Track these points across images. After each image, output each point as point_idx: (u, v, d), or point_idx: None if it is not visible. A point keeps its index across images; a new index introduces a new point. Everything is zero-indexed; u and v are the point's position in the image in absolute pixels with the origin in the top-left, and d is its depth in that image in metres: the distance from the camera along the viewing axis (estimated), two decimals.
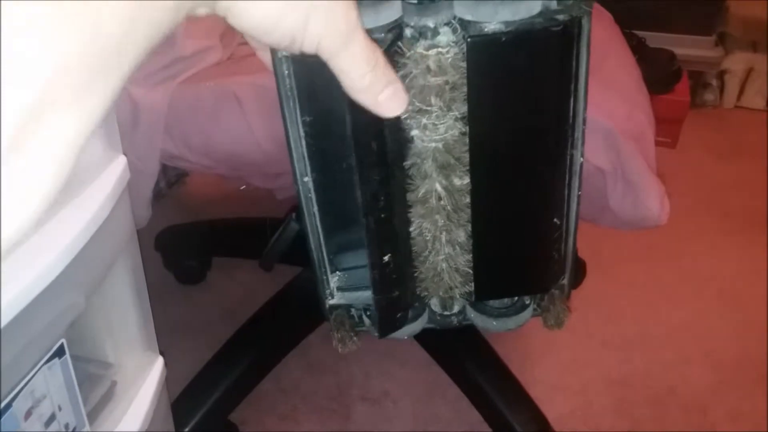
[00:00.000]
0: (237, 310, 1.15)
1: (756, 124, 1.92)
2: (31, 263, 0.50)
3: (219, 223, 1.40)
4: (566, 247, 0.48)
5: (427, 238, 0.45)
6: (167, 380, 0.76)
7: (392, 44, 0.37)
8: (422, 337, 1.09)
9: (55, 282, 0.52)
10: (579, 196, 0.46)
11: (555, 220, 0.46)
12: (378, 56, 0.32)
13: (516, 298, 0.50)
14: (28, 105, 0.18)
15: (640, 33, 1.78)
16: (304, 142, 0.42)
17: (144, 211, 0.85)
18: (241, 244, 1.34)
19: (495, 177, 0.43)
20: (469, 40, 0.36)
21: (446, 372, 1.11)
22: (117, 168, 0.62)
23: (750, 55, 1.93)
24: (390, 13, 0.37)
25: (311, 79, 0.39)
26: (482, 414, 1.06)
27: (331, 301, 0.49)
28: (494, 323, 0.50)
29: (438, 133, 0.40)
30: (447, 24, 0.37)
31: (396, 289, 0.46)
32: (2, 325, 0.47)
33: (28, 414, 0.55)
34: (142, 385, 0.72)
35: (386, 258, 0.45)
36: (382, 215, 0.43)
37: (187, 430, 0.98)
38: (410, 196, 0.43)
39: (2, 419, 0.51)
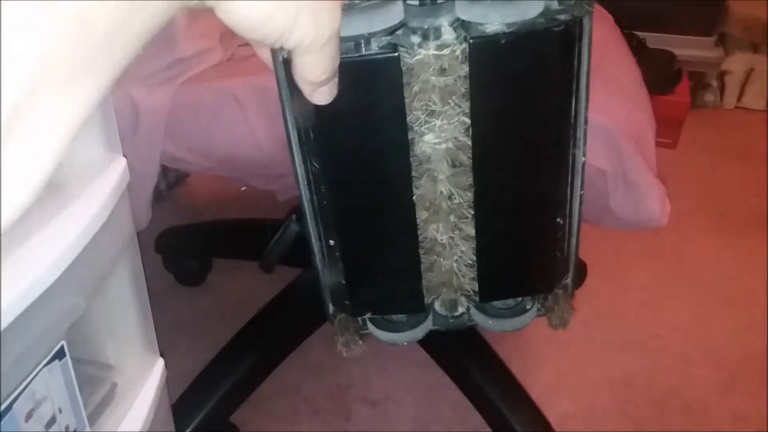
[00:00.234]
0: (237, 312, 1.15)
1: (756, 125, 1.92)
2: (31, 265, 0.50)
3: (219, 225, 1.40)
4: (569, 247, 0.48)
5: (442, 240, 0.45)
6: (168, 382, 0.75)
7: (394, 47, 0.37)
8: (423, 339, 1.09)
9: (56, 284, 0.52)
10: (582, 195, 0.46)
11: (558, 219, 0.46)
12: (337, 54, 0.33)
13: (519, 299, 0.50)
14: (21, 93, 0.19)
15: (640, 34, 1.78)
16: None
17: (144, 213, 0.85)
18: (241, 246, 1.34)
19: (498, 177, 0.43)
20: (471, 41, 0.36)
21: (447, 373, 1.10)
22: (117, 170, 0.61)
23: (750, 56, 1.93)
24: (392, 16, 0.37)
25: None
26: (483, 415, 1.06)
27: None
28: (490, 322, 0.50)
29: (450, 133, 0.40)
30: (450, 25, 0.37)
31: (343, 276, 0.47)
32: (2, 327, 0.47)
33: (29, 416, 0.55)
34: (143, 386, 0.71)
35: (331, 242, 0.45)
36: (323, 201, 0.43)
37: (187, 431, 0.98)
38: (421, 202, 0.43)
39: (3, 421, 0.51)
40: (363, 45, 0.36)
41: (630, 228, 0.82)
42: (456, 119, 0.40)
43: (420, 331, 0.50)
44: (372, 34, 0.36)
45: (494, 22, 0.36)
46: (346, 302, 0.49)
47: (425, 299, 0.48)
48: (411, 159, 0.41)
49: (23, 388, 0.53)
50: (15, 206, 0.20)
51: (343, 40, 0.35)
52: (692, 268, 1.44)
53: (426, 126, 0.40)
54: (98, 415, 0.66)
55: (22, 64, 0.18)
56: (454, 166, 0.42)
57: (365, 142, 0.41)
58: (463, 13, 0.37)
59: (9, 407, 0.51)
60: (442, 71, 0.38)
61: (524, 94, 0.40)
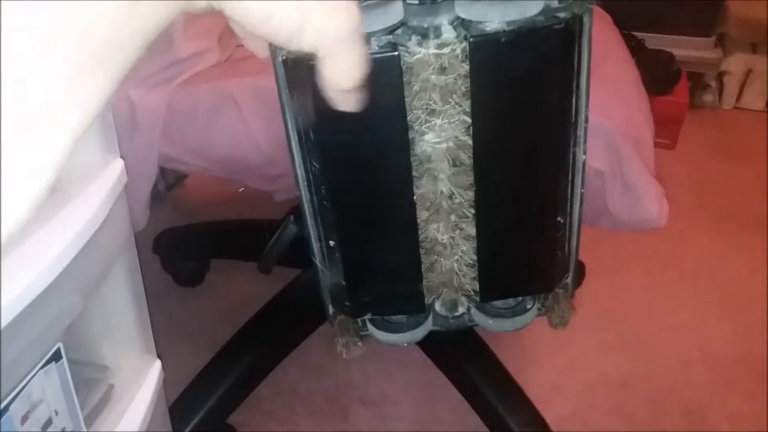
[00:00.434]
0: (236, 313, 1.15)
1: (755, 125, 1.92)
2: (27, 266, 0.50)
3: (217, 226, 1.40)
4: (570, 246, 0.48)
5: (443, 240, 0.45)
6: (165, 383, 0.75)
7: (393, 46, 0.37)
8: (421, 340, 1.08)
9: (52, 285, 0.51)
10: (582, 194, 0.46)
11: (558, 218, 0.46)
12: (364, 59, 0.31)
13: (519, 299, 0.50)
14: (20, 99, 0.18)
15: (639, 34, 1.78)
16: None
17: (142, 214, 0.84)
18: (239, 247, 1.34)
19: (498, 175, 0.43)
20: (471, 39, 0.36)
21: (445, 374, 1.10)
22: (114, 171, 0.61)
23: (749, 57, 1.93)
24: (392, 15, 0.37)
25: (313, 91, 0.39)
26: (481, 416, 1.06)
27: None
28: (490, 322, 0.50)
29: (450, 132, 0.40)
30: (450, 24, 0.37)
31: (343, 277, 0.46)
32: None
33: (25, 418, 0.55)
34: (140, 388, 0.71)
35: (331, 243, 0.45)
36: (324, 201, 0.43)
37: None
38: (422, 202, 0.43)
39: None
40: None
41: (628, 229, 0.81)
42: (456, 118, 0.40)
43: (420, 332, 0.50)
44: (372, 33, 0.36)
45: (494, 20, 0.36)
46: (346, 303, 0.49)
47: (425, 300, 0.48)
48: (411, 158, 0.41)
49: (19, 390, 0.52)
50: (15, 219, 0.20)
51: None
52: (690, 269, 1.44)
53: (426, 125, 0.40)
54: (95, 417, 0.66)
55: (21, 67, 0.18)
56: (454, 165, 0.42)
57: (366, 142, 0.41)
58: (463, 11, 0.36)
59: (5, 409, 0.51)
60: (443, 70, 0.38)
61: (525, 92, 0.40)
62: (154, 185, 0.84)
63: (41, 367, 0.55)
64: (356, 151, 0.42)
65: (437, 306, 0.50)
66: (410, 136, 0.41)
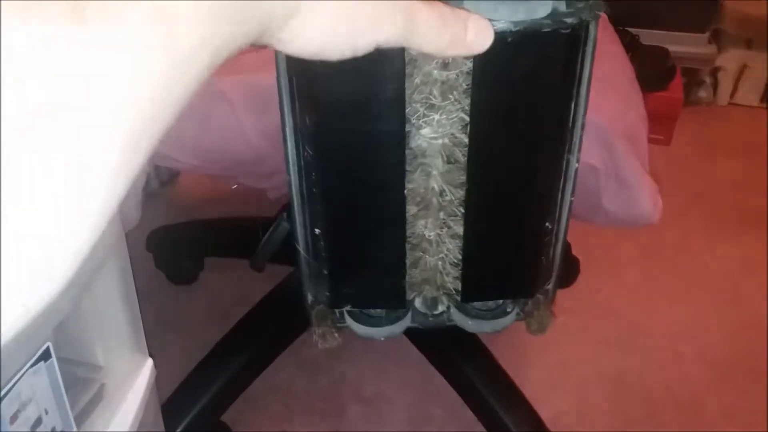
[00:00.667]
0: (230, 310, 1.14)
1: (750, 121, 1.92)
2: None
3: (211, 223, 1.39)
4: (554, 253, 0.48)
5: (430, 237, 0.45)
6: (158, 381, 0.75)
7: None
8: (415, 337, 1.08)
9: None
10: (571, 202, 0.46)
11: (546, 224, 0.46)
12: (442, 14, 0.30)
13: (500, 302, 0.50)
14: (67, 190, 0.18)
15: (633, 30, 1.78)
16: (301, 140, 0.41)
17: (134, 212, 0.84)
18: (233, 244, 1.33)
19: (491, 175, 0.43)
20: None
21: (440, 372, 1.10)
22: None
23: (744, 52, 1.93)
24: None
25: (311, 77, 0.38)
26: (476, 414, 1.05)
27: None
28: (469, 323, 0.50)
29: (448, 128, 0.40)
30: None
31: (328, 266, 0.46)
32: None
33: (14, 417, 0.54)
34: (132, 387, 0.71)
35: (316, 231, 0.45)
36: (314, 190, 0.43)
37: (178, 431, 0.97)
38: (412, 196, 0.43)
39: None
40: None
41: (622, 225, 0.81)
42: (455, 115, 0.39)
43: (398, 327, 0.50)
44: None
45: (502, 19, 0.36)
46: (327, 293, 0.49)
47: (407, 296, 0.48)
48: (406, 152, 0.41)
49: (8, 389, 0.52)
50: (61, 282, 0.20)
51: None
52: (686, 265, 1.44)
53: (424, 119, 0.40)
54: (86, 416, 0.65)
55: (71, 157, 0.18)
56: (448, 162, 0.41)
57: (362, 131, 0.41)
58: (471, 7, 0.36)
59: None
60: (445, 65, 0.38)
61: (525, 94, 0.40)
62: (147, 182, 0.84)
63: (30, 366, 0.55)
64: (351, 140, 0.41)
65: (417, 303, 0.49)
66: (407, 129, 0.40)
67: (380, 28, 0.28)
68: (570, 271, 1.26)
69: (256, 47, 0.25)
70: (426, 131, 0.40)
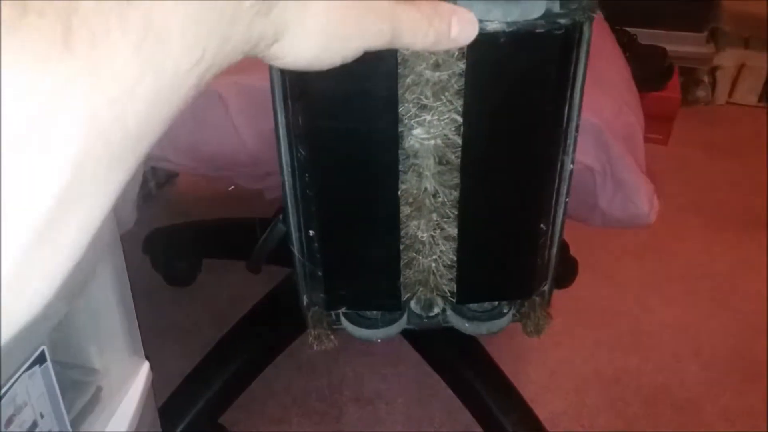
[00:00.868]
0: (227, 312, 1.14)
1: (748, 120, 1.92)
2: None
3: (208, 224, 1.39)
4: (550, 254, 0.48)
5: (423, 238, 0.45)
6: (156, 383, 0.75)
7: None
8: (413, 338, 1.08)
9: None
10: (566, 203, 0.45)
11: (542, 225, 0.46)
12: (426, 9, 0.30)
13: (496, 303, 0.49)
14: (52, 203, 0.18)
15: (631, 29, 1.78)
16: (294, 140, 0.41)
17: (130, 214, 0.84)
18: (231, 245, 1.33)
19: (485, 177, 0.43)
20: None
21: (437, 373, 1.10)
22: None
23: (742, 52, 1.93)
24: None
25: (304, 78, 0.38)
26: (474, 414, 1.05)
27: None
28: (466, 325, 0.50)
29: (440, 129, 0.40)
30: None
31: (321, 268, 0.46)
32: None
33: (9, 421, 0.54)
34: (128, 390, 0.71)
35: (311, 232, 0.45)
36: (307, 191, 0.42)
37: None
38: (405, 197, 0.43)
39: None
40: None
41: (619, 226, 0.81)
42: (447, 116, 0.39)
43: (394, 329, 0.50)
44: None
45: (495, 20, 0.36)
46: (322, 295, 0.49)
47: (402, 297, 0.48)
48: (399, 152, 0.41)
49: (3, 393, 0.52)
50: (36, 304, 0.20)
51: None
52: (683, 265, 1.44)
53: (416, 119, 0.39)
54: (82, 419, 0.65)
55: (54, 178, 0.18)
56: (440, 163, 0.41)
57: (355, 131, 0.41)
58: (465, 8, 0.36)
59: None
60: (437, 66, 0.38)
61: (519, 95, 0.40)
62: (144, 184, 0.84)
63: (25, 370, 0.55)
64: (345, 140, 0.41)
65: (413, 304, 0.49)
66: (399, 129, 0.40)
67: (367, 36, 0.28)
68: (568, 271, 1.26)
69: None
70: (418, 131, 0.40)
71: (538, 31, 0.36)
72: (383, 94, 0.38)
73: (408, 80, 0.38)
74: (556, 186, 0.45)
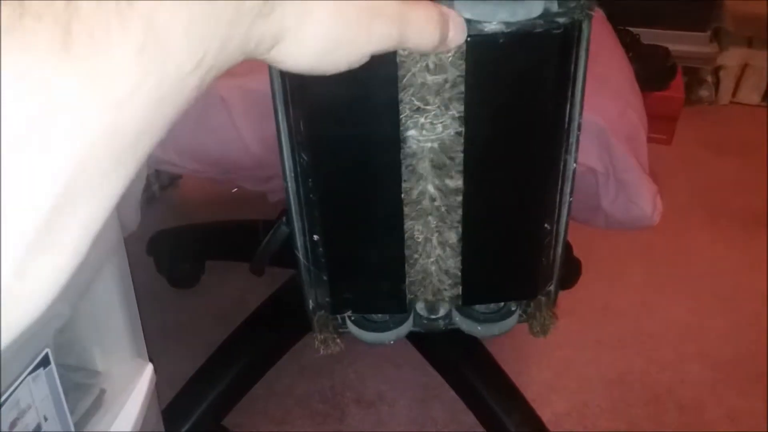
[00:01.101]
0: (231, 314, 1.14)
1: (751, 120, 1.92)
2: None
3: (212, 226, 1.39)
4: (555, 254, 0.48)
5: (419, 240, 0.45)
6: (160, 385, 0.75)
7: None
8: (416, 340, 1.08)
9: None
10: (570, 203, 0.45)
11: (546, 225, 0.46)
12: (432, 14, 0.31)
13: (502, 303, 0.49)
14: (51, 203, 0.18)
15: (634, 29, 1.78)
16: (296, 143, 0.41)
17: (133, 216, 0.84)
18: (234, 247, 1.33)
19: (488, 179, 0.43)
20: (468, 39, 0.36)
21: (440, 374, 1.10)
22: None
23: (745, 51, 1.93)
24: None
25: (304, 83, 0.38)
26: (477, 416, 1.05)
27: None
28: (479, 328, 0.49)
29: (435, 133, 0.40)
30: None
31: (327, 272, 0.46)
32: None
33: (13, 425, 0.54)
34: (132, 392, 0.71)
35: (315, 237, 0.45)
36: (311, 195, 0.43)
37: None
38: (404, 198, 0.43)
39: None
40: None
41: (622, 227, 0.81)
42: (442, 119, 0.39)
43: (400, 332, 0.50)
44: None
45: (493, 20, 0.36)
46: (327, 299, 0.49)
47: (407, 300, 0.48)
48: (400, 158, 0.41)
49: (7, 396, 0.52)
50: (39, 307, 0.20)
51: None
52: (687, 265, 1.44)
53: (411, 120, 0.39)
54: (86, 422, 0.65)
55: (54, 178, 0.18)
56: (437, 167, 0.41)
57: (357, 135, 0.41)
58: (462, 10, 0.36)
59: None
60: (432, 68, 0.38)
61: (519, 95, 0.40)
62: (148, 186, 0.84)
63: (29, 373, 0.55)
64: (346, 144, 0.41)
65: (419, 307, 0.49)
66: (397, 136, 0.40)
67: (374, 40, 0.28)
68: (571, 272, 1.26)
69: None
70: (413, 133, 0.40)
71: (537, 30, 0.36)
72: (384, 98, 0.38)
73: (403, 82, 0.38)
74: (559, 186, 0.45)
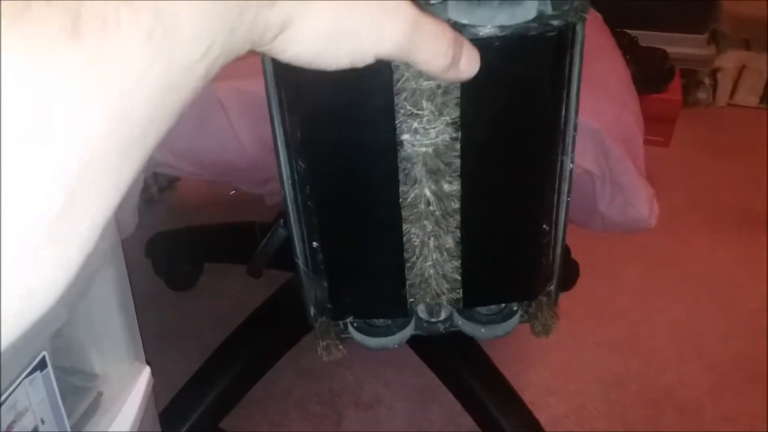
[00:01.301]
0: (229, 316, 1.14)
1: (749, 121, 1.92)
2: None
3: (210, 229, 1.39)
4: (554, 254, 0.48)
5: (415, 243, 0.45)
6: (157, 388, 0.75)
7: None
8: (414, 342, 1.08)
9: None
10: (568, 203, 0.46)
11: (544, 226, 0.46)
12: (447, 32, 0.30)
13: (503, 304, 0.49)
14: (62, 198, 0.18)
15: (632, 32, 1.78)
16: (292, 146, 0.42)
17: (131, 218, 0.84)
18: (232, 250, 1.33)
19: (485, 181, 0.43)
20: None
21: (438, 377, 1.10)
22: None
23: (742, 53, 1.93)
24: None
25: (299, 90, 0.38)
26: (474, 418, 1.05)
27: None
28: (482, 330, 0.49)
29: (429, 138, 0.40)
30: None
31: (326, 280, 0.46)
32: None
33: (10, 427, 0.54)
34: (129, 395, 0.71)
35: (314, 244, 0.45)
36: (309, 202, 0.43)
37: None
38: (400, 201, 0.43)
39: None
40: None
41: (618, 230, 0.81)
42: (435, 125, 0.39)
43: (407, 333, 0.50)
44: None
45: (487, 24, 0.36)
46: (328, 306, 0.49)
47: (407, 303, 0.48)
48: (396, 162, 0.41)
49: (4, 399, 0.52)
50: (49, 300, 0.20)
51: None
52: (685, 267, 1.44)
53: (405, 125, 0.40)
54: (83, 424, 0.65)
55: (65, 167, 0.18)
56: (431, 171, 0.41)
57: (352, 142, 0.41)
58: (456, 14, 0.36)
59: None
60: (424, 74, 0.37)
61: (515, 98, 0.40)
62: (146, 189, 0.84)
63: (26, 376, 0.55)
64: (343, 150, 0.41)
65: (419, 310, 0.49)
66: (393, 139, 0.40)
67: (382, 40, 0.28)
68: (569, 274, 1.26)
69: (251, 54, 0.26)
70: (415, 141, 0.40)
71: (531, 33, 0.36)
72: (379, 103, 0.38)
73: (397, 87, 0.38)
74: (556, 186, 0.45)
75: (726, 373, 1.22)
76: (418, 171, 0.41)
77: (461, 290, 0.47)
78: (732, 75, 1.96)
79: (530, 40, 0.37)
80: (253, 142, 0.78)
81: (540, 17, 0.36)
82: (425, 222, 0.44)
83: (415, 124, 0.39)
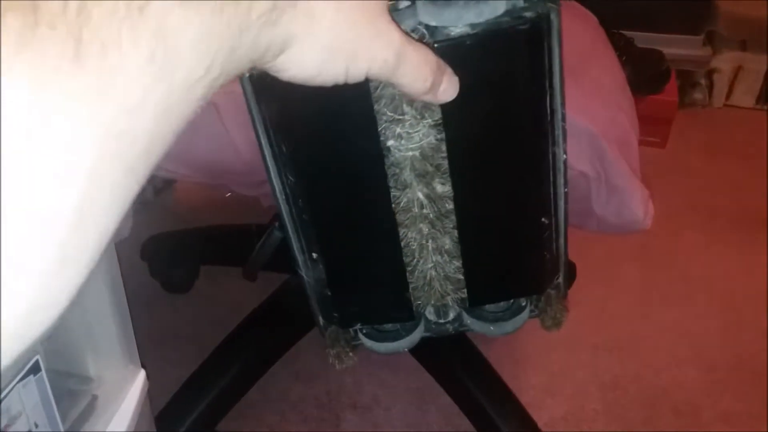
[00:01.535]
0: (225, 319, 1.14)
1: (745, 122, 1.92)
2: None
3: (206, 231, 1.39)
4: (557, 246, 0.47)
5: (414, 247, 0.45)
6: (153, 391, 0.75)
7: None
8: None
9: None
10: (566, 194, 0.45)
11: (543, 219, 0.45)
12: (429, 57, 0.32)
13: (512, 300, 0.49)
14: (70, 217, 0.19)
15: (628, 33, 1.78)
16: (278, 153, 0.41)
17: (125, 223, 0.84)
18: (229, 252, 1.33)
19: (476, 180, 0.42)
20: (435, 45, 0.36)
21: (435, 378, 1.10)
22: None
23: (739, 54, 1.93)
24: None
25: (279, 106, 0.38)
26: (472, 420, 1.05)
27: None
28: (491, 328, 0.49)
29: (413, 142, 0.40)
30: (413, 30, 0.36)
31: (330, 289, 0.46)
32: None
33: None
34: (124, 398, 0.71)
35: (314, 255, 0.45)
36: (303, 215, 0.43)
37: None
38: (393, 207, 0.43)
39: None
40: None
41: (614, 231, 0.81)
42: (418, 128, 0.39)
43: (416, 336, 0.50)
44: None
45: (457, 24, 0.36)
46: (335, 314, 0.49)
47: (413, 306, 0.48)
48: (385, 167, 0.41)
49: None
50: (58, 310, 0.20)
51: None
52: (682, 268, 1.44)
53: (389, 131, 0.39)
54: (78, 428, 0.65)
55: (73, 182, 0.18)
56: (419, 175, 0.41)
57: (338, 152, 0.41)
58: (426, 17, 0.36)
59: None
60: None
61: (496, 94, 0.40)
62: (142, 191, 0.84)
63: (19, 380, 0.54)
64: (330, 163, 0.41)
65: (427, 312, 0.49)
66: (379, 145, 0.40)
67: (375, 58, 0.29)
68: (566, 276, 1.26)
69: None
70: (401, 146, 0.40)
71: (503, 28, 0.36)
72: (360, 111, 0.38)
73: (377, 93, 0.38)
74: (551, 179, 0.44)
75: (723, 375, 1.22)
76: (407, 175, 0.41)
77: (466, 290, 0.47)
78: (728, 76, 1.96)
79: (503, 35, 0.36)
80: (247, 145, 0.77)
81: (511, 11, 0.36)
82: (421, 225, 0.44)
83: (399, 129, 0.39)
